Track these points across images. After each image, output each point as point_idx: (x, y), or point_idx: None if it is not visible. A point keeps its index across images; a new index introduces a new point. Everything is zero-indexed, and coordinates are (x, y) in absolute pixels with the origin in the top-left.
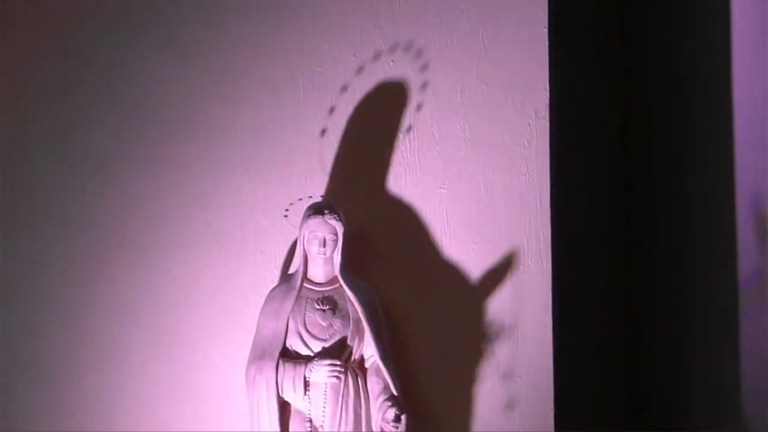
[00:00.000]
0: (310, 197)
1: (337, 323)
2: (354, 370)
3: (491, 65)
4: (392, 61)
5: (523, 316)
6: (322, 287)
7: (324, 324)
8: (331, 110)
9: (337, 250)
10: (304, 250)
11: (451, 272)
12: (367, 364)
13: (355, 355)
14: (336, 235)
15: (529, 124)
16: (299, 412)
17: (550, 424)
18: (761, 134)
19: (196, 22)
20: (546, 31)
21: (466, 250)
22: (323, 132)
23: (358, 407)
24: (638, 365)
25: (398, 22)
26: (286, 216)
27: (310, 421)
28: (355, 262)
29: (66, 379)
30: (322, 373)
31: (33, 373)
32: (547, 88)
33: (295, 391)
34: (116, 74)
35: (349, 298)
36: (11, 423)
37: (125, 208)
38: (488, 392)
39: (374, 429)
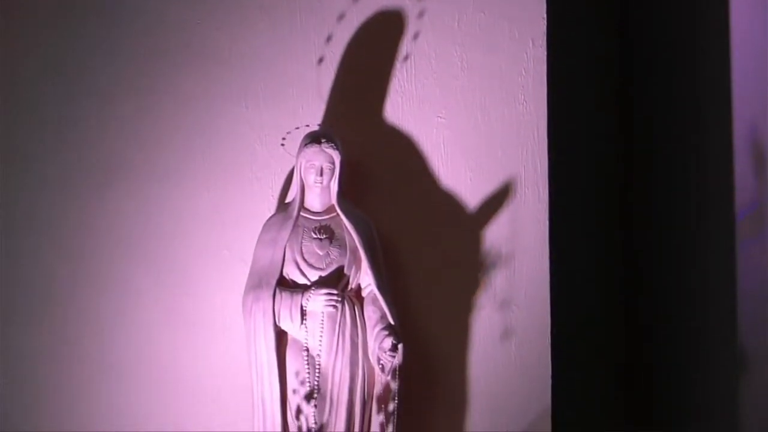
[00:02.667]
0: (307, 126)
1: (334, 252)
2: (351, 300)
3: None
4: None
5: (520, 245)
6: (319, 216)
7: (321, 253)
8: (329, 38)
9: (334, 179)
10: (301, 179)
11: (448, 201)
12: (364, 294)
13: (352, 285)
14: (333, 164)
15: (527, 53)
16: (296, 341)
17: (547, 353)
18: (759, 62)
19: None
20: None
21: (463, 179)
22: (320, 60)
23: (355, 336)
24: (635, 293)
25: None
26: (283, 144)
27: (307, 350)
28: (352, 191)
29: (60, 306)
30: (319, 302)
31: (30, 297)
32: (545, 16)
33: (292, 320)
34: (111, 2)
35: (346, 227)
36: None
37: (122, 136)
38: (485, 321)
39: (371, 358)
